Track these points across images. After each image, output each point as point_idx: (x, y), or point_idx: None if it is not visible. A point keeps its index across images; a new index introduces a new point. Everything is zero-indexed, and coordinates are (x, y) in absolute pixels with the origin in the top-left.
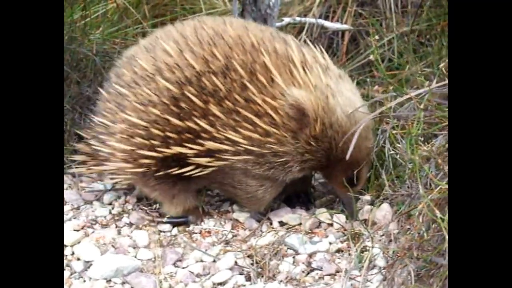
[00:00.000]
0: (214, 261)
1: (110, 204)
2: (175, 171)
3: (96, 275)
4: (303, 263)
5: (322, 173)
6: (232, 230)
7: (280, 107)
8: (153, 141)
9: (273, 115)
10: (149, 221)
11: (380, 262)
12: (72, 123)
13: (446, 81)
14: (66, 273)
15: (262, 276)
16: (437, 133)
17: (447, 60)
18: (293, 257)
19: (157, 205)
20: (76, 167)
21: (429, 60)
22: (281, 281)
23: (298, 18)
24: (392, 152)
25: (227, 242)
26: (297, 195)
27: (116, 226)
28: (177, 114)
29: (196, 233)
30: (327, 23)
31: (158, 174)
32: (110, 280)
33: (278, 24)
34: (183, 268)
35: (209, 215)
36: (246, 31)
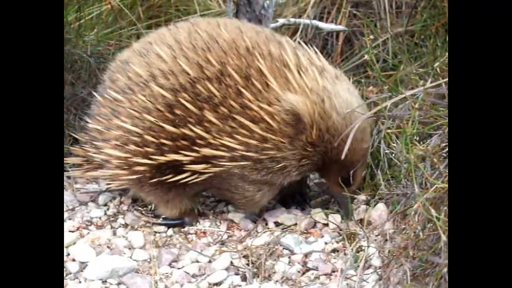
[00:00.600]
0: (210, 261)
1: (105, 205)
2: (170, 178)
3: (91, 276)
4: (298, 263)
5: (318, 173)
6: (227, 231)
7: (276, 113)
8: (147, 149)
9: (269, 121)
10: (144, 222)
11: (376, 261)
12: (67, 125)
13: (441, 81)
14: None
15: (258, 276)
16: (432, 133)
17: (442, 60)
18: (289, 257)
19: (153, 206)
20: (72, 170)
21: (424, 60)
22: (276, 281)
23: (292, 19)
24: (387, 151)
25: (222, 243)
26: (293, 196)
27: (112, 227)
28: (172, 121)
29: (191, 234)
30: (321, 24)
31: (152, 181)
32: (105, 281)
33: (272, 25)
34: (178, 268)
35: (204, 216)
36: (241, 34)
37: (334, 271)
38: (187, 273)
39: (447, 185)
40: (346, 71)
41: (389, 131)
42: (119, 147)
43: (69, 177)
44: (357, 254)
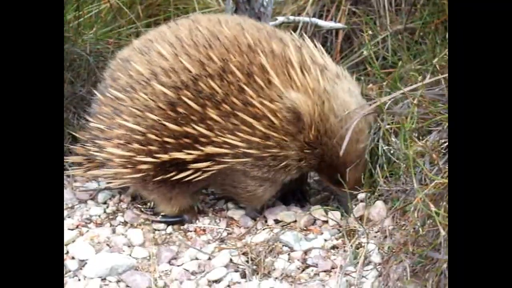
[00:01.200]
0: (209, 258)
1: (104, 203)
2: (174, 176)
3: (91, 273)
4: (298, 260)
5: (316, 172)
6: (227, 228)
7: (278, 110)
8: (150, 147)
9: (272, 118)
10: (144, 219)
11: (375, 258)
12: (66, 123)
13: (440, 77)
14: None
15: (257, 273)
16: (431, 129)
17: (442, 57)
18: (288, 254)
19: (152, 203)
20: (72, 169)
21: (423, 58)
22: (276, 278)
23: (292, 17)
24: (386, 147)
25: (222, 240)
26: (293, 193)
27: (111, 225)
28: (175, 119)
29: (191, 231)
30: (321, 22)
31: (156, 179)
32: (105, 279)
33: (272, 23)
34: (178, 266)
35: (204, 213)
36: (242, 31)
37: (333, 268)
38: (187, 270)
39: (446, 181)
40: (345, 69)
41: (388, 127)
42: (121, 146)
43: (68, 176)
44: (357, 250)
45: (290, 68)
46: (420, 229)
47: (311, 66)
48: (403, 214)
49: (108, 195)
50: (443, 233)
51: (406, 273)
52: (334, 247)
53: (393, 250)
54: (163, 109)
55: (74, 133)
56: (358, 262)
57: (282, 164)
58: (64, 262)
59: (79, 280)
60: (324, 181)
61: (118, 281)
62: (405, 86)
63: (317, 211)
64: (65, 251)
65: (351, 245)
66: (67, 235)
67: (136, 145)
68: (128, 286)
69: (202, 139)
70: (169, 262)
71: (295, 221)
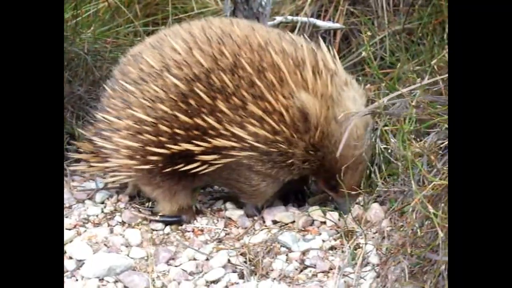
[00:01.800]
0: (207, 259)
1: (102, 203)
2: (182, 167)
3: (88, 274)
4: (296, 260)
5: (314, 176)
6: (225, 228)
7: (290, 106)
8: (161, 138)
9: (284, 113)
10: (142, 219)
11: (374, 259)
12: (64, 122)
13: (438, 78)
14: None
15: (255, 274)
16: (429, 130)
17: (440, 58)
18: (286, 255)
19: (150, 203)
20: (75, 165)
21: (421, 58)
22: (274, 278)
23: (290, 17)
24: (384, 146)
25: (220, 240)
26: (295, 193)
27: (109, 225)
28: (185, 110)
29: (188, 232)
30: (319, 22)
31: (165, 170)
32: (102, 279)
33: (270, 23)
34: (176, 266)
35: (202, 214)
36: (253, 32)
37: (331, 269)
38: (184, 270)
39: (444, 182)
40: (343, 69)
41: (386, 128)
42: (130, 136)
43: (65, 175)
44: (355, 251)
45: (302, 69)
46: (418, 230)
47: (323, 70)
48: (401, 215)
49: (106, 195)
50: (441, 234)
51: (404, 275)
52: (332, 248)
53: (391, 251)
54: (174, 100)
55: (75, 131)
56: (356, 263)
57: (287, 162)
58: (63, 263)
59: (77, 280)
60: (321, 186)
61: (115, 282)
62: (403, 87)
63: (315, 212)
64: None
65: (349, 246)
66: (65, 235)
67: (147, 136)
68: (126, 287)
69: (211, 132)
70: (167, 262)
71: (293, 221)
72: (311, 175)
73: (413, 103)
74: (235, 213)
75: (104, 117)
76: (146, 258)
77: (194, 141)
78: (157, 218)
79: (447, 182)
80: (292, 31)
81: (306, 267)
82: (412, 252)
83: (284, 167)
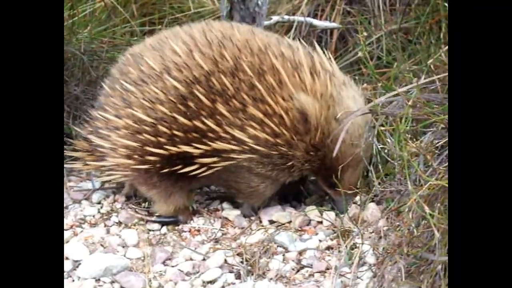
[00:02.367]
0: (204, 259)
1: (98, 203)
2: (180, 169)
3: (85, 274)
4: (293, 260)
5: (314, 174)
6: (221, 229)
7: (289, 109)
8: (160, 139)
9: (284, 115)
10: (139, 219)
11: (370, 259)
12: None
13: (434, 77)
14: None
15: (252, 274)
16: (425, 130)
17: (436, 57)
18: (283, 255)
19: (146, 203)
20: (71, 163)
21: (418, 57)
22: (271, 278)
23: (286, 17)
24: (380, 146)
25: (216, 240)
26: (292, 193)
27: (105, 225)
28: (184, 113)
29: (185, 232)
30: (315, 22)
31: (163, 171)
32: (99, 280)
33: (266, 22)
34: (172, 266)
35: (198, 214)
36: (253, 36)
37: (328, 269)
38: (181, 271)
39: (440, 182)
40: (340, 69)
41: (382, 128)
42: (129, 136)
43: (63, 176)
44: (351, 251)
45: (300, 71)
46: (415, 230)
47: (320, 71)
48: (398, 215)
49: (102, 195)
50: (437, 234)
51: (401, 274)
52: (328, 248)
53: (388, 251)
54: (174, 102)
55: (72, 131)
56: (352, 263)
57: (287, 164)
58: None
59: (73, 280)
60: (320, 184)
61: (112, 282)
62: (400, 86)
63: (312, 212)
64: None
65: (346, 246)
66: None
67: (146, 136)
68: (122, 287)
69: (211, 134)
70: (163, 262)
71: (290, 221)
72: (310, 174)
73: (410, 103)
74: (231, 213)
75: (102, 115)
76: (142, 258)
77: (193, 144)
78: (154, 218)
79: (443, 182)
80: (288, 30)
81: (302, 267)
82: (409, 252)
83: (284, 169)
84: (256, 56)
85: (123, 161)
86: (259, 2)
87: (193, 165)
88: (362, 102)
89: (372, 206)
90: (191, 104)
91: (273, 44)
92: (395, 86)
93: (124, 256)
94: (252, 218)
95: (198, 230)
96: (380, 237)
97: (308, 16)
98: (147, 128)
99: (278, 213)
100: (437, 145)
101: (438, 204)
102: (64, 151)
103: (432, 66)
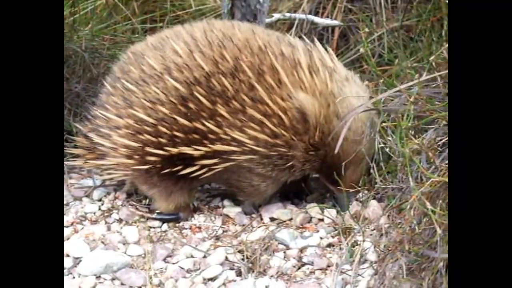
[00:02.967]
0: (205, 256)
1: (99, 200)
2: (181, 170)
3: (85, 271)
4: (294, 258)
5: (316, 172)
6: (222, 226)
7: (288, 109)
8: (161, 139)
9: (282, 116)
10: (139, 216)
11: (371, 256)
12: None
13: (436, 74)
14: None
15: (253, 271)
16: (427, 127)
17: (438, 54)
18: (284, 252)
19: (147, 201)
20: (72, 160)
21: (419, 55)
22: (272, 276)
23: (288, 14)
24: (383, 143)
25: (217, 238)
26: (293, 191)
27: (106, 222)
28: (185, 114)
29: (186, 229)
30: (317, 19)
31: (163, 172)
32: (99, 276)
33: (268, 20)
34: (173, 263)
35: (199, 211)
36: (254, 35)
37: (329, 266)
38: (182, 268)
39: (443, 179)
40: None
41: (384, 125)
42: (129, 135)
43: (63, 173)
44: (353, 248)
45: (299, 70)
46: (416, 227)
47: (320, 68)
48: (399, 212)
49: (103, 193)
50: (439, 231)
51: (402, 272)
52: (330, 245)
53: (389, 248)
54: (174, 103)
55: (72, 128)
56: (354, 260)
57: (287, 164)
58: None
59: (74, 277)
60: (322, 180)
61: (113, 279)
62: (401, 83)
63: (313, 209)
64: None
65: (347, 243)
66: None
67: (146, 136)
68: (123, 284)
69: (211, 136)
70: (164, 259)
71: (291, 219)
72: (312, 172)
73: (411, 99)
74: (232, 211)
75: (103, 114)
76: (143, 255)
77: (194, 145)
78: (154, 215)
79: (445, 179)
80: (290, 28)
81: (303, 264)
82: (410, 249)
83: (285, 169)
84: (256, 56)
85: (123, 160)
86: (260, 0)
87: (194, 167)
88: (366, 98)
89: (373, 203)
90: (191, 105)
91: (273, 43)
92: (397, 83)
93: (125, 253)
94: (253, 215)
95: (199, 227)
96: (382, 235)
97: (310, 13)
98: (148, 128)
99: (279, 210)
100: (439, 142)
101: (440, 201)
102: (65, 148)
103: (433, 64)
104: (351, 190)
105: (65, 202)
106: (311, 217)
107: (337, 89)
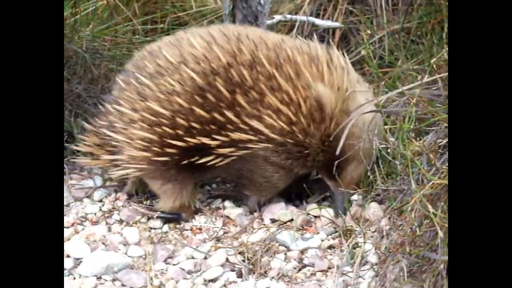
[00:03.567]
0: (205, 257)
1: (100, 201)
2: (197, 160)
3: (86, 272)
4: (294, 259)
5: (317, 169)
6: (223, 227)
7: (307, 97)
8: (178, 131)
9: (302, 103)
10: (141, 214)
11: (372, 258)
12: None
13: (437, 76)
14: None
15: (254, 273)
16: (428, 129)
17: (439, 57)
18: (285, 254)
19: (148, 202)
20: (77, 159)
21: (420, 57)
22: (272, 277)
23: (289, 16)
24: (384, 145)
25: (218, 239)
26: (295, 192)
27: (106, 223)
28: (201, 104)
29: (187, 230)
30: (318, 21)
31: (182, 163)
32: (100, 277)
33: (269, 21)
34: (174, 265)
35: (200, 212)
36: (267, 34)
37: (330, 268)
38: (183, 269)
39: (443, 181)
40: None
41: (385, 127)
42: (146, 129)
43: (64, 173)
44: (354, 250)
45: (317, 63)
46: (417, 229)
47: (337, 65)
48: (400, 214)
49: (104, 193)
50: (440, 233)
51: (403, 274)
52: (330, 247)
53: (390, 250)
54: (190, 94)
55: (73, 129)
56: (354, 262)
57: (303, 153)
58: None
59: (74, 278)
60: (321, 175)
61: (113, 280)
62: (402, 85)
63: (314, 211)
64: None
65: (348, 245)
66: None
67: (164, 128)
68: (124, 285)
69: (229, 126)
70: (165, 261)
71: (292, 220)
72: (313, 172)
73: (413, 102)
74: (233, 212)
75: (116, 109)
76: (144, 256)
77: (212, 135)
78: (156, 214)
79: (446, 181)
80: (291, 30)
81: (304, 266)
82: (411, 251)
83: (299, 158)
84: (273, 50)
85: (140, 153)
86: (262, 1)
87: (210, 156)
88: (373, 105)
89: (374, 205)
90: (209, 95)
91: (288, 40)
92: (398, 85)
93: (126, 254)
94: (255, 214)
95: (200, 229)
96: (382, 236)
97: (311, 15)
98: (164, 120)
99: (280, 212)
100: (440, 144)
101: (441, 203)
102: (71, 147)
103: (434, 66)
104: (349, 188)
105: (65, 203)
106: (314, 217)
107: (351, 88)
